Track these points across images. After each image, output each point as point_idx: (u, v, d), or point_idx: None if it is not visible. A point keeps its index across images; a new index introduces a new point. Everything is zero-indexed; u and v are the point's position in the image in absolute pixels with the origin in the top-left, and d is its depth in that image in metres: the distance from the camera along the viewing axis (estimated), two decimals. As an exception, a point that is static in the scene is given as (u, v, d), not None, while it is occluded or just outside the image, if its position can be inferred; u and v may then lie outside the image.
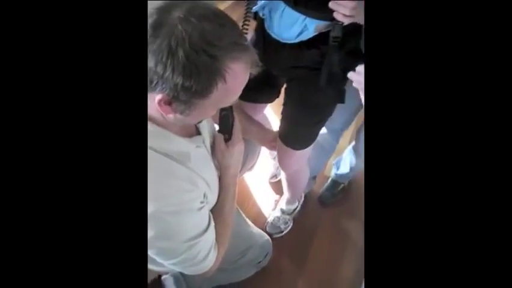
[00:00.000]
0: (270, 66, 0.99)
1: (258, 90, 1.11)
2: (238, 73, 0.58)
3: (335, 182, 1.65)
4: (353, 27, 0.79)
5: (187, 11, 0.53)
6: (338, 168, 1.62)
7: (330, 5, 0.73)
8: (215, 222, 0.77)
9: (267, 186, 1.71)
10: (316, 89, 0.92)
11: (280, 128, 1.12)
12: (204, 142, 0.79)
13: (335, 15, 0.75)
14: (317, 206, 1.64)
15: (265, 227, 1.52)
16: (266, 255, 1.22)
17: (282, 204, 1.54)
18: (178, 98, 0.56)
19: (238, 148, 0.84)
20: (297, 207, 1.57)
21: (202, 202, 0.72)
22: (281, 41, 0.89)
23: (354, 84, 0.81)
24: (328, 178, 1.68)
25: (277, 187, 1.69)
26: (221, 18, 0.56)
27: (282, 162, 1.21)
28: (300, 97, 1.02)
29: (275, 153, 1.64)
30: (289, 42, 0.88)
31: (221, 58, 0.54)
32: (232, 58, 0.56)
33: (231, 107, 0.82)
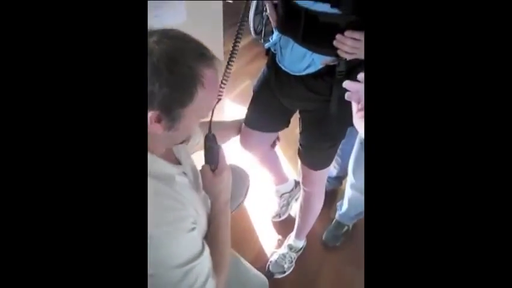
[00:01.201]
0: (282, 97, 1.09)
1: (269, 120, 1.22)
2: (212, 78, 0.66)
3: (339, 223, 1.65)
4: (358, 60, 0.88)
5: (159, 35, 0.62)
6: (341, 209, 1.63)
7: (334, 43, 0.82)
8: (210, 250, 0.76)
9: (270, 225, 1.70)
10: (327, 117, 1.01)
11: (299, 152, 1.20)
12: (186, 173, 0.80)
13: (339, 52, 0.84)
14: (320, 249, 1.62)
15: (268, 266, 1.50)
16: None
17: (291, 240, 1.54)
18: (165, 112, 0.63)
19: (225, 175, 0.84)
20: (304, 246, 1.56)
21: (193, 223, 0.72)
22: (291, 73, 0.98)
23: (346, 95, 0.83)
24: (332, 220, 1.68)
25: (280, 227, 1.68)
26: (186, 37, 0.65)
27: (304, 180, 1.29)
28: (312, 126, 1.10)
29: (281, 191, 1.67)
30: (298, 74, 0.96)
31: (196, 67, 0.63)
32: (205, 66, 0.64)
33: (214, 138, 0.84)
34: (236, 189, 1.03)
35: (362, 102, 0.63)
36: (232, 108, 2.16)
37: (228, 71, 0.85)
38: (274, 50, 1.03)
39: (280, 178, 1.63)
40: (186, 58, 0.62)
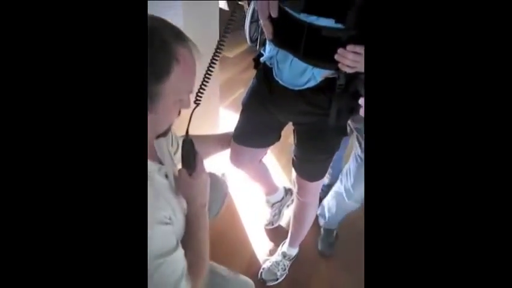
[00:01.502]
0: (278, 111, 1.07)
1: (260, 135, 1.20)
2: (188, 57, 0.66)
3: (328, 230, 1.68)
4: (356, 72, 0.87)
5: None
6: (324, 217, 1.66)
7: (336, 57, 0.81)
8: (186, 251, 0.76)
9: (263, 232, 1.71)
10: (323, 130, 1.00)
11: (294, 163, 1.19)
12: (166, 174, 0.80)
13: (340, 66, 0.83)
14: (312, 255, 1.63)
15: (261, 273, 1.50)
16: None
17: (284, 248, 1.54)
18: None
19: (202, 178, 0.83)
20: (297, 254, 1.56)
21: (167, 217, 0.72)
22: (289, 87, 0.96)
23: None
24: (320, 227, 1.70)
25: (272, 234, 1.69)
26: (162, 19, 0.66)
27: (299, 191, 1.28)
28: (308, 138, 1.09)
29: (271, 201, 1.67)
30: (297, 89, 0.95)
31: (171, 43, 0.63)
32: (180, 44, 0.64)
33: (191, 143, 0.83)
34: (213, 197, 1.01)
35: None
36: (227, 115, 2.16)
37: (208, 74, 0.83)
38: (270, 64, 1.01)
39: (271, 188, 1.62)
40: (161, 33, 0.62)
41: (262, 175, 1.51)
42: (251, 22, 2.96)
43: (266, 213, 1.73)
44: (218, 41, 0.87)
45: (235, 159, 1.30)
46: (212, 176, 0.91)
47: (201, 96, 0.84)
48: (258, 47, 3.08)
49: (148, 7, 0.55)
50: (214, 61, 0.87)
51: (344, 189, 1.45)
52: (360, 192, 1.41)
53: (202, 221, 0.85)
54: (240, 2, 3.04)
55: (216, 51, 0.88)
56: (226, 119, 2.00)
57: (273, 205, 1.68)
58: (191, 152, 0.83)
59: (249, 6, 2.78)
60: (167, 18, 0.66)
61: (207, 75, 0.83)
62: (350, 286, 1.53)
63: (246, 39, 3.03)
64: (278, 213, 1.70)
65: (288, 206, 1.73)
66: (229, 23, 0.88)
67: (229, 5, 2.75)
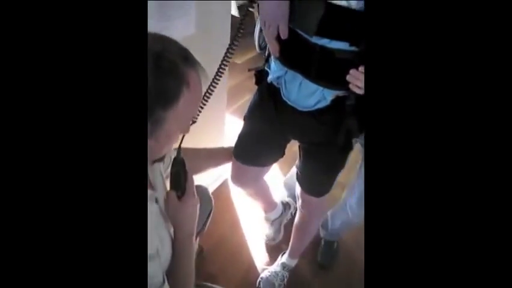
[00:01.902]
0: (285, 130, 1.06)
1: (265, 153, 1.17)
2: (197, 82, 0.63)
3: (328, 242, 1.66)
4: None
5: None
6: (326, 229, 1.64)
7: (348, 78, 0.80)
8: (170, 279, 0.73)
9: (262, 242, 1.69)
10: (330, 148, 0.98)
11: (299, 179, 1.18)
12: (157, 200, 0.76)
13: (351, 87, 0.81)
14: (310, 267, 1.62)
15: (259, 282, 1.49)
16: None
17: (284, 258, 1.53)
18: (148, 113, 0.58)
19: (192, 204, 0.78)
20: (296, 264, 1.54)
21: (155, 250, 0.68)
22: (298, 108, 0.94)
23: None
24: (321, 240, 1.68)
25: (271, 249, 1.66)
26: (170, 38, 0.62)
27: (303, 204, 1.26)
28: (315, 157, 1.07)
29: (271, 218, 1.63)
30: (306, 110, 0.93)
31: (181, 65, 0.59)
32: (190, 66, 0.61)
33: (182, 163, 0.79)
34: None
35: None
36: (233, 121, 2.16)
37: (216, 80, 0.81)
38: (278, 84, 0.98)
39: (270, 206, 1.59)
40: (170, 55, 0.58)
41: (263, 193, 1.47)
42: (260, 30, 2.96)
43: (266, 230, 1.69)
44: (227, 48, 0.87)
45: (238, 179, 1.26)
46: (199, 190, 0.87)
47: (206, 101, 0.83)
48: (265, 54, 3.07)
49: (160, 7, 0.54)
50: (223, 67, 0.87)
51: (348, 205, 1.44)
52: (364, 209, 1.39)
53: (187, 251, 0.80)
54: (250, 9, 3.06)
55: (225, 58, 0.87)
56: (231, 124, 2.00)
57: (273, 222, 1.65)
58: (181, 172, 0.79)
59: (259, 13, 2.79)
60: (179, 22, 0.64)
61: (214, 81, 0.83)
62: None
63: (255, 46, 3.03)
64: (279, 229, 1.66)
65: (287, 219, 1.70)
66: (239, 31, 0.88)
67: (239, 12, 2.77)
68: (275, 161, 1.22)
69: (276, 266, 1.53)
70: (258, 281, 1.49)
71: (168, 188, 0.81)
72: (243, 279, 1.52)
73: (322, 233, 1.67)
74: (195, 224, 0.81)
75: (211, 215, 1.21)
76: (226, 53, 0.87)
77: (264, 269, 1.54)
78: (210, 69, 0.70)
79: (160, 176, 0.83)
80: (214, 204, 1.21)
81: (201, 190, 1.15)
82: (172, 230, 0.79)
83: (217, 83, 0.83)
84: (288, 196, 1.74)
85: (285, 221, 1.68)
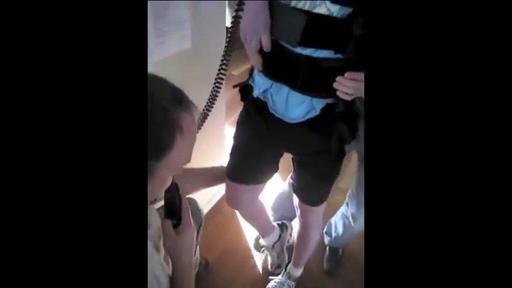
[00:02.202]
0: (276, 143, 1.04)
1: (258, 169, 1.14)
2: (191, 123, 0.59)
3: (333, 249, 1.66)
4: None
5: None
6: (330, 236, 1.63)
7: (335, 85, 0.79)
8: None
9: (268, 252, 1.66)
10: (324, 157, 0.97)
11: (294, 188, 1.17)
12: (150, 234, 0.74)
13: (339, 94, 0.80)
14: (316, 275, 1.61)
15: (265, 292, 1.47)
16: None
17: (289, 269, 1.52)
18: None
19: (189, 232, 0.76)
20: (302, 273, 1.54)
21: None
22: (288, 121, 0.91)
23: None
24: (326, 247, 1.68)
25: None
26: (158, 77, 0.58)
27: (301, 214, 1.25)
28: (310, 167, 1.07)
29: (271, 242, 1.55)
30: (296, 121, 0.91)
31: (173, 110, 0.55)
32: (183, 110, 0.57)
33: (176, 188, 0.75)
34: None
35: None
36: (231, 133, 2.17)
37: (214, 94, 0.79)
38: (264, 98, 0.94)
39: (267, 228, 1.51)
40: (162, 100, 0.54)
41: (259, 214, 1.42)
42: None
43: (269, 259, 1.61)
44: (221, 60, 0.86)
45: (233, 200, 1.22)
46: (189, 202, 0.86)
47: (208, 115, 0.82)
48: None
49: (155, 23, 0.51)
50: (219, 80, 0.86)
51: (350, 213, 1.44)
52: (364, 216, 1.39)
53: (187, 281, 0.78)
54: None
55: (220, 71, 0.87)
56: (230, 136, 2.01)
57: (273, 246, 1.56)
58: (176, 197, 0.76)
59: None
60: (175, 37, 0.62)
61: (212, 96, 0.81)
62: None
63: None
64: (282, 252, 1.60)
65: (288, 241, 1.64)
66: (229, 43, 0.87)
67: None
68: (270, 176, 1.19)
69: (281, 277, 1.52)
70: (264, 291, 1.48)
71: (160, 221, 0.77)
72: (249, 290, 1.51)
73: (326, 240, 1.67)
74: (193, 253, 0.78)
75: (202, 227, 1.19)
76: (220, 66, 0.87)
77: (270, 280, 1.53)
78: (208, 83, 0.70)
79: (155, 214, 0.80)
80: (217, 216, 1.19)
81: (190, 203, 1.04)
82: (167, 265, 0.76)
83: (215, 97, 0.83)
84: (279, 219, 1.67)
85: (286, 244, 1.62)
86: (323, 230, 1.67)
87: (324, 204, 1.20)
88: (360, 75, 0.77)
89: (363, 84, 0.78)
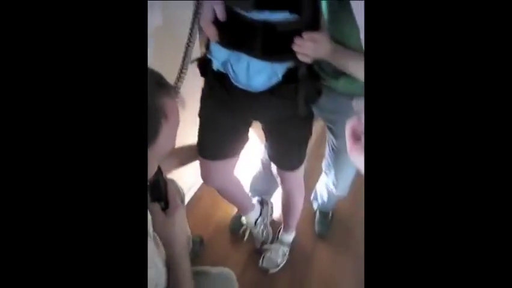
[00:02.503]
0: (243, 113, 1.03)
1: (229, 142, 1.12)
2: (175, 108, 0.57)
3: (323, 213, 1.71)
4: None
5: None
6: (317, 202, 1.69)
7: (294, 48, 0.79)
8: None
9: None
10: (294, 120, 0.99)
11: (270, 156, 1.19)
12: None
13: (298, 56, 0.81)
14: (309, 239, 1.67)
15: (262, 261, 1.52)
16: None
17: (280, 235, 1.57)
18: None
19: (179, 214, 0.73)
20: (295, 238, 1.59)
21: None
22: (251, 90, 0.90)
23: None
24: (315, 212, 1.74)
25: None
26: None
27: (282, 180, 1.27)
28: (280, 133, 1.08)
29: (252, 219, 1.51)
30: (259, 90, 0.89)
31: (156, 97, 0.54)
32: (165, 94, 0.55)
33: (160, 170, 0.72)
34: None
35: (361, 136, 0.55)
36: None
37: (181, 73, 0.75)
38: (224, 70, 0.91)
39: (246, 205, 1.48)
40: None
41: (237, 189, 1.38)
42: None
43: (254, 237, 1.59)
44: (187, 38, 0.81)
45: (208, 176, 1.20)
46: (171, 182, 0.83)
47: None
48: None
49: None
50: (186, 53, 0.80)
51: (331, 181, 1.45)
52: (344, 181, 1.42)
53: (183, 266, 0.75)
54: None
55: (187, 47, 0.82)
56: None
57: (255, 223, 1.53)
58: (161, 181, 0.73)
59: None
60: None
61: (180, 72, 0.76)
62: (350, 263, 1.57)
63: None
64: (266, 228, 1.58)
65: (271, 214, 1.65)
66: (194, 18, 0.80)
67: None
68: (242, 148, 1.18)
69: (275, 244, 1.57)
70: (260, 260, 1.53)
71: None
72: (246, 260, 1.55)
73: (315, 205, 1.72)
74: (184, 234, 0.76)
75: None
76: (187, 43, 0.83)
77: (264, 249, 1.57)
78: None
79: None
80: (208, 193, 1.19)
81: (172, 182, 1.06)
82: (162, 251, 0.74)
83: (182, 73, 0.79)
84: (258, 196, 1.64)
85: (269, 219, 1.62)
86: (309, 197, 1.72)
87: (303, 167, 1.21)
88: (317, 35, 0.77)
89: (321, 44, 0.79)
